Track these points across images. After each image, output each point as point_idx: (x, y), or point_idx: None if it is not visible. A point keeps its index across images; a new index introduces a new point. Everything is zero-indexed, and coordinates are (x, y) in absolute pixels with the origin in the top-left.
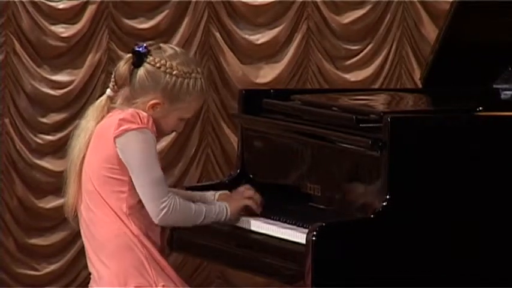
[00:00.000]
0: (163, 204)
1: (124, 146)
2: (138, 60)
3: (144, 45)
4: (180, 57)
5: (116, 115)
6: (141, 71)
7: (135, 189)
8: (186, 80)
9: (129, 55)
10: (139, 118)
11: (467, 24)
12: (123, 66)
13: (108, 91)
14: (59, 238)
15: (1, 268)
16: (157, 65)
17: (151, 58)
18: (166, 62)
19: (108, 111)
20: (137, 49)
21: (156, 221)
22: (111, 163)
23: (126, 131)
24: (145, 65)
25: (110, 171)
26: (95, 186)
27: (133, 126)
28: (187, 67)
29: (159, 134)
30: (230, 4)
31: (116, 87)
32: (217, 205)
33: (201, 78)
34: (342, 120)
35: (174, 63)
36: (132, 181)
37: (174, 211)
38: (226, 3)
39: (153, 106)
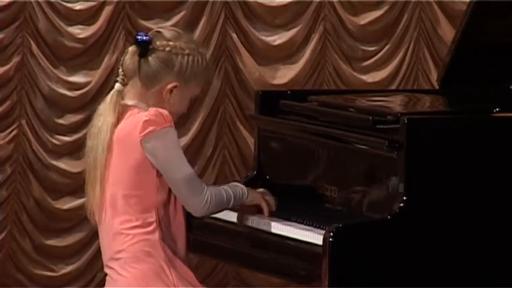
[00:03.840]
0: (203, 196)
1: (153, 149)
2: (144, 49)
3: (145, 33)
4: (183, 36)
5: (136, 116)
6: (151, 59)
7: (161, 190)
8: (196, 57)
9: (133, 47)
10: (163, 117)
11: (484, 25)
12: (131, 59)
13: (118, 85)
14: (76, 239)
15: (18, 269)
16: (167, 49)
17: (158, 44)
18: (174, 44)
19: (121, 107)
20: (141, 38)
21: (199, 213)
22: (138, 166)
23: (152, 132)
24: (155, 52)
25: (138, 174)
26: (120, 190)
27: (159, 127)
28: (193, 43)
29: (173, 120)
30: (247, 5)
31: (125, 80)
32: (240, 188)
33: (205, 52)
34: (359, 122)
35: (182, 44)
36: (159, 182)
37: (212, 200)
38: (243, 4)
39: (171, 90)
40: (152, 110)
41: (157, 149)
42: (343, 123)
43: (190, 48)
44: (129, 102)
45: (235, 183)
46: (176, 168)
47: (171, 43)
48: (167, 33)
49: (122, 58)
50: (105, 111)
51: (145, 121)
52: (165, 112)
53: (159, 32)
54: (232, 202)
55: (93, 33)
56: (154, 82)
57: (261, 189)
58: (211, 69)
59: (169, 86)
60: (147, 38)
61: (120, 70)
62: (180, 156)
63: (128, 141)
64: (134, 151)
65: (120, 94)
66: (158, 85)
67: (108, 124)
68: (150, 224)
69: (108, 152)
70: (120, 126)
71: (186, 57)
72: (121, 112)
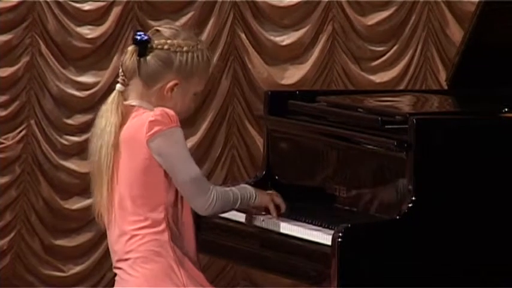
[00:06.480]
0: (209, 195)
1: (159, 149)
2: (143, 49)
3: (143, 32)
4: (182, 33)
5: (142, 116)
6: (151, 59)
7: (169, 190)
8: (195, 54)
9: (132, 47)
10: (169, 117)
11: (493, 25)
12: (130, 59)
13: (119, 86)
14: (85, 239)
15: (27, 269)
16: (166, 47)
17: (156, 42)
18: (172, 42)
19: (125, 108)
20: (140, 38)
21: (204, 213)
22: (146, 166)
23: (158, 132)
24: (153, 51)
25: (145, 174)
26: (128, 191)
27: (165, 127)
28: (192, 40)
29: (180, 118)
30: (255, 5)
31: (126, 81)
32: (248, 191)
33: (205, 48)
34: (367, 122)
35: (180, 41)
36: (167, 182)
37: (218, 200)
38: (251, 4)
39: (172, 88)
40: (158, 110)
41: (163, 148)
42: (351, 123)
43: (188, 45)
44: (133, 102)
45: (244, 185)
46: (182, 168)
47: (169, 41)
48: (166, 32)
49: (122, 58)
50: (107, 111)
51: (151, 121)
52: (171, 112)
53: (158, 30)
54: (238, 203)
55: (102, 33)
56: (154, 81)
57: (270, 191)
58: (212, 63)
59: (170, 84)
60: (145, 37)
61: (120, 71)
62: (186, 156)
63: (134, 141)
64: (141, 152)
65: (122, 95)
66: (159, 84)
67: (112, 124)
68: (159, 223)
69: (115, 153)
70: (125, 126)
71: (185, 55)
72: (126, 113)
